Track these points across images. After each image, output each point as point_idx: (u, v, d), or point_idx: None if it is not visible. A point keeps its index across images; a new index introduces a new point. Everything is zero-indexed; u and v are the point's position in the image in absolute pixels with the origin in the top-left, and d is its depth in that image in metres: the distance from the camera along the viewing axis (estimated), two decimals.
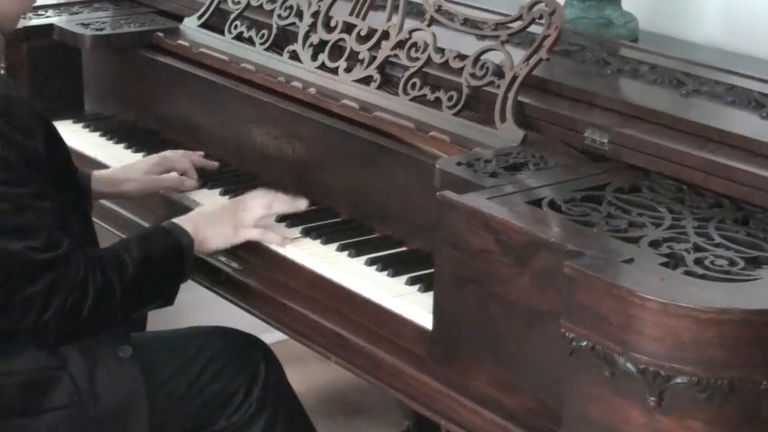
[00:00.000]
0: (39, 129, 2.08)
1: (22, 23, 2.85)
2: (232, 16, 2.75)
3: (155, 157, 2.57)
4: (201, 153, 2.60)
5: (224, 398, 2.25)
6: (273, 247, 2.26)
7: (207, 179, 2.56)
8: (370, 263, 2.17)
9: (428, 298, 1.98)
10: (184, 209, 2.39)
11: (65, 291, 2.03)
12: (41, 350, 2.10)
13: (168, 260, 2.18)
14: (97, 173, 2.52)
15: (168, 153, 2.58)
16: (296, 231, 2.30)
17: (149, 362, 2.18)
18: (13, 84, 2.13)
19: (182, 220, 2.24)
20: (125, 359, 2.15)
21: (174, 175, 2.53)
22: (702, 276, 1.67)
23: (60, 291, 2.03)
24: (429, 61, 2.33)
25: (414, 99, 2.32)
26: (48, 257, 2.02)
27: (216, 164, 2.59)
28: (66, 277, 2.03)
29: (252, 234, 2.25)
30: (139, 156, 2.71)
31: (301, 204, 2.30)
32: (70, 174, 2.29)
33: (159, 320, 2.52)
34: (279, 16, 2.65)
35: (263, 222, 2.27)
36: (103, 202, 2.57)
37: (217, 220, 2.26)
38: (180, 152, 2.59)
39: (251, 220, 2.25)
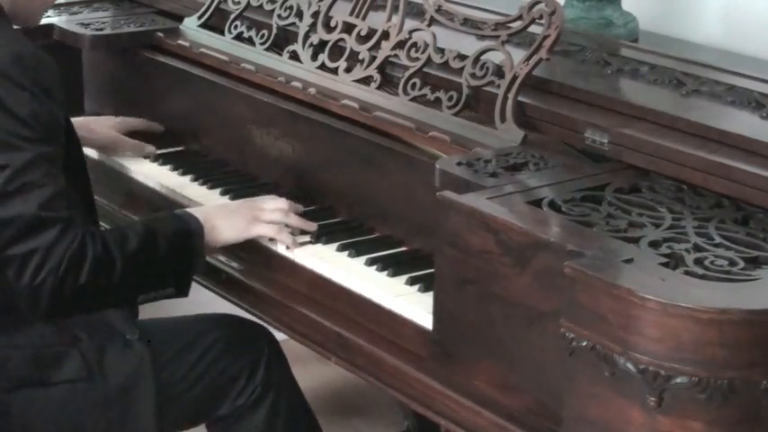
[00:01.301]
0: (61, 96, 2.07)
1: None
2: (232, 16, 2.75)
3: (117, 118, 2.77)
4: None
5: (227, 380, 2.27)
6: (273, 247, 2.26)
7: (207, 179, 2.57)
8: (370, 263, 2.17)
9: (428, 298, 1.98)
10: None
11: (62, 250, 1.99)
12: (51, 326, 2.12)
13: (175, 242, 2.15)
14: None
15: (128, 118, 2.78)
16: (296, 232, 2.29)
17: (152, 343, 2.21)
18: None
19: (192, 209, 2.25)
20: (133, 341, 2.19)
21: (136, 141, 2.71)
22: (702, 276, 1.67)
23: (57, 250, 1.99)
24: (429, 61, 2.33)
25: (414, 99, 2.31)
26: (48, 215, 1.99)
27: (161, 127, 2.78)
28: (63, 238, 1.99)
29: (265, 230, 2.24)
30: (139, 156, 2.72)
31: (312, 227, 2.28)
32: (81, 165, 2.27)
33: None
34: (279, 16, 2.64)
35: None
36: (103, 203, 2.57)
37: (230, 212, 2.25)
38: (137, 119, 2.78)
39: (267, 219, 2.24)
